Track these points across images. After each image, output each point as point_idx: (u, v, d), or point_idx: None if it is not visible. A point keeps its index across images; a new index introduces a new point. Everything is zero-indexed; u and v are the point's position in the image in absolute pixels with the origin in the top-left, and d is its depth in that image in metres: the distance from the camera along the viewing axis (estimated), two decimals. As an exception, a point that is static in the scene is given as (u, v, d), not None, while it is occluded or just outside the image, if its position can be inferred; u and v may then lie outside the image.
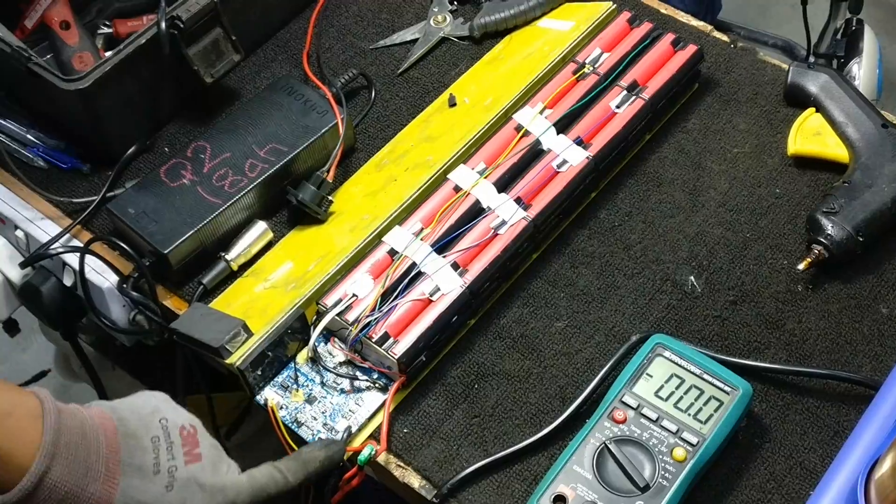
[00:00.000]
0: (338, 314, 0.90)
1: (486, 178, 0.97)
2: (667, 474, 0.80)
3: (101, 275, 0.97)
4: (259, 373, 0.89)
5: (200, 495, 0.76)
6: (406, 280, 0.91)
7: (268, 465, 0.82)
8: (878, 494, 0.71)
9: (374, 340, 0.88)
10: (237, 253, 0.96)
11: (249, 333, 0.89)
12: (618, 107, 1.01)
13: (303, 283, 0.93)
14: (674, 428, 0.82)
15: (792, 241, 0.97)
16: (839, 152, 1.00)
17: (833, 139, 1.00)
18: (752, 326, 0.92)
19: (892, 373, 0.82)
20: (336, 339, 0.91)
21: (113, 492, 0.72)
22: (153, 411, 0.77)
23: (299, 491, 0.97)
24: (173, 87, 1.05)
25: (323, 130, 0.99)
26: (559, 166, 0.98)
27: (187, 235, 0.93)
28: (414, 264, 0.92)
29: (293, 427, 0.88)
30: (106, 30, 1.12)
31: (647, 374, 0.86)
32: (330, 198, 0.98)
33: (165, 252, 0.92)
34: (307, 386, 0.90)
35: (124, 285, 0.95)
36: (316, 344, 0.90)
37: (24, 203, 1.03)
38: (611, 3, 1.10)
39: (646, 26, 1.07)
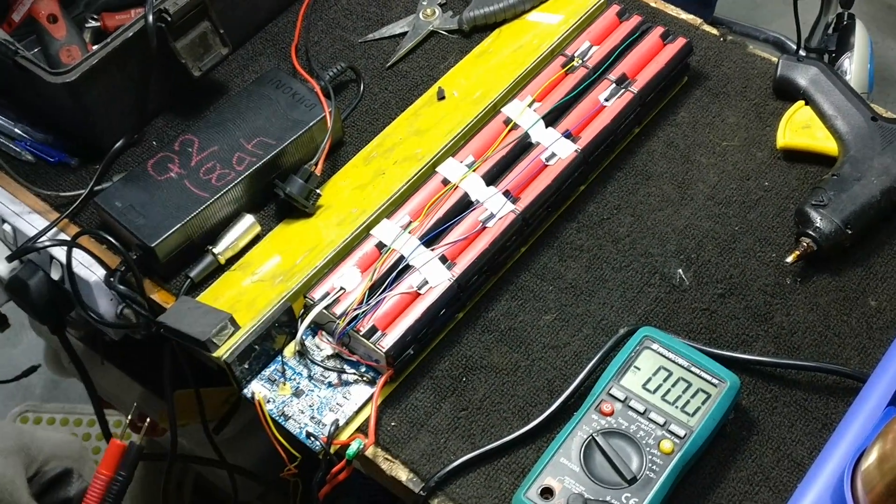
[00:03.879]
0: (325, 307, 0.89)
1: (474, 171, 0.97)
2: (654, 466, 0.80)
3: (89, 269, 0.96)
4: (246, 366, 0.89)
5: None
6: (394, 273, 0.91)
7: None
8: (865, 485, 0.71)
9: (361, 334, 0.88)
10: (225, 246, 0.96)
11: (237, 327, 0.89)
12: (607, 100, 1.01)
13: (290, 277, 0.93)
14: (661, 420, 0.82)
15: (780, 234, 0.97)
16: (828, 145, 0.99)
17: (822, 132, 1.00)
18: (741, 319, 0.92)
19: (880, 365, 0.82)
20: (324, 333, 0.91)
21: None
22: None
23: (287, 485, 0.97)
24: (161, 81, 1.04)
25: (311, 124, 0.99)
26: (548, 159, 0.98)
27: (174, 229, 0.93)
28: (402, 257, 0.92)
29: (280, 420, 0.88)
30: (94, 23, 1.11)
31: (635, 367, 0.85)
32: (318, 191, 0.98)
33: (152, 245, 0.92)
34: (294, 379, 0.90)
35: (111, 279, 0.94)
36: (303, 337, 0.90)
37: (11, 197, 1.02)
38: (600, -4, 1.10)
39: (635, 19, 1.07)
